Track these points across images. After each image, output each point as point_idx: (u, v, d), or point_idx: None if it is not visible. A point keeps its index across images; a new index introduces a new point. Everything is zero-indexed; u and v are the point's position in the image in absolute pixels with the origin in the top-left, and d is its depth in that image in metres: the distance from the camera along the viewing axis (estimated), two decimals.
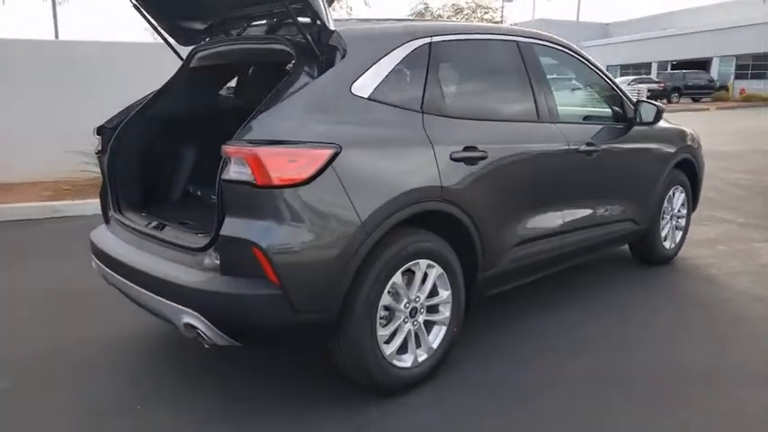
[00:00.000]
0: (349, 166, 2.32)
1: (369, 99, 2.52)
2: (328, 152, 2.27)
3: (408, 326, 2.64)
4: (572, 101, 3.63)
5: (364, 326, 2.43)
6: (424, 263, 2.63)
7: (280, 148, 2.21)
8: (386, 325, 2.56)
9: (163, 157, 3.28)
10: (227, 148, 2.20)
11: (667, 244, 4.47)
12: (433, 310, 2.74)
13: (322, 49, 2.49)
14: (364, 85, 2.51)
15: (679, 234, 4.62)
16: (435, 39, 2.82)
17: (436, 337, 2.76)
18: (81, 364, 2.98)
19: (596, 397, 2.66)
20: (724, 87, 34.09)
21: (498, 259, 2.98)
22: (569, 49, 3.63)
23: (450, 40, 2.90)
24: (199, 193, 3.32)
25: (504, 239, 3.00)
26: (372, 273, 2.41)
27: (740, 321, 3.50)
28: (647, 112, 3.81)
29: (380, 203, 2.39)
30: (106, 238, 2.97)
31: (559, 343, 3.19)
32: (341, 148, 2.29)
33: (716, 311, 3.67)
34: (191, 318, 2.28)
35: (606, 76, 3.85)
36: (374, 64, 2.57)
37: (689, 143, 4.44)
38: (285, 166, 2.19)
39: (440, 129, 2.69)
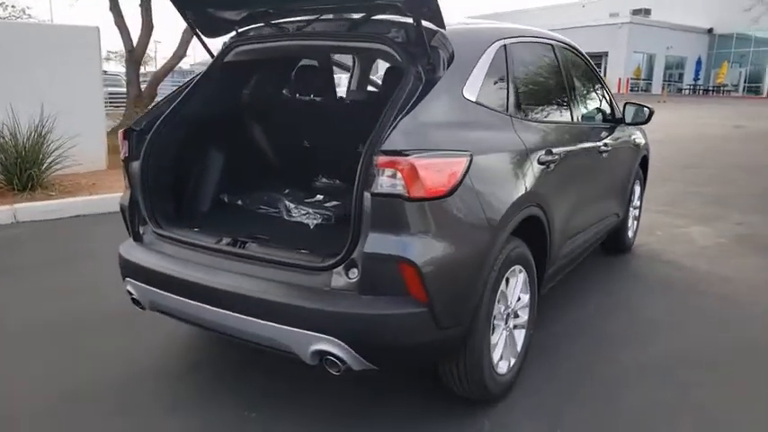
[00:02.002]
0: (478, 173, 2.22)
1: (476, 103, 2.44)
2: (466, 160, 2.16)
3: (505, 332, 2.62)
4: (585, 102, 3.81)
5: (484, 336, 2.38)
6: (517, 268, 2.62)
7: (430, 159, 2.05)
8: (492, 333, 2.52)
9: (193, 162, 2.91)
10: (380, 160, 2.00)
11: (630, 233, 4.88)
12: (515, 314, 2.75)
13: (432, 51, 2.36)
14: (471, 89, 2.43)
15: (635, 224, 5.07)
16: (508, 41, 2.80)
17: (519, 341, 2.77)
18: (126, 405, 2.57)
19: (669, 382, 2.85)
20: None
21: (557, 257, 3.07)
22: (578, 52, 3.80)
23: (516, 43, 2.88)
24: (239, 202, 2.98)
25: (563, 237, 3.09)
26: (490, 282, 2.36)
27: (728, 300, 3.91)
28: (638, 113, 4.10)
29: (504, 210, 2.35)
30: (150, 256, 2.55)
31: (606, 332, 3.40)
32: (472, 156, 2.20)
33: (700, 291, 4.07)
34: (325, 344, 2.07)
35: (600, 77, 4.09)
36: (475, 66, 2.49)
37: (645, 140, 4.88)
38: (434, 176, 2.05)
39: (525, 132, 2.69)
